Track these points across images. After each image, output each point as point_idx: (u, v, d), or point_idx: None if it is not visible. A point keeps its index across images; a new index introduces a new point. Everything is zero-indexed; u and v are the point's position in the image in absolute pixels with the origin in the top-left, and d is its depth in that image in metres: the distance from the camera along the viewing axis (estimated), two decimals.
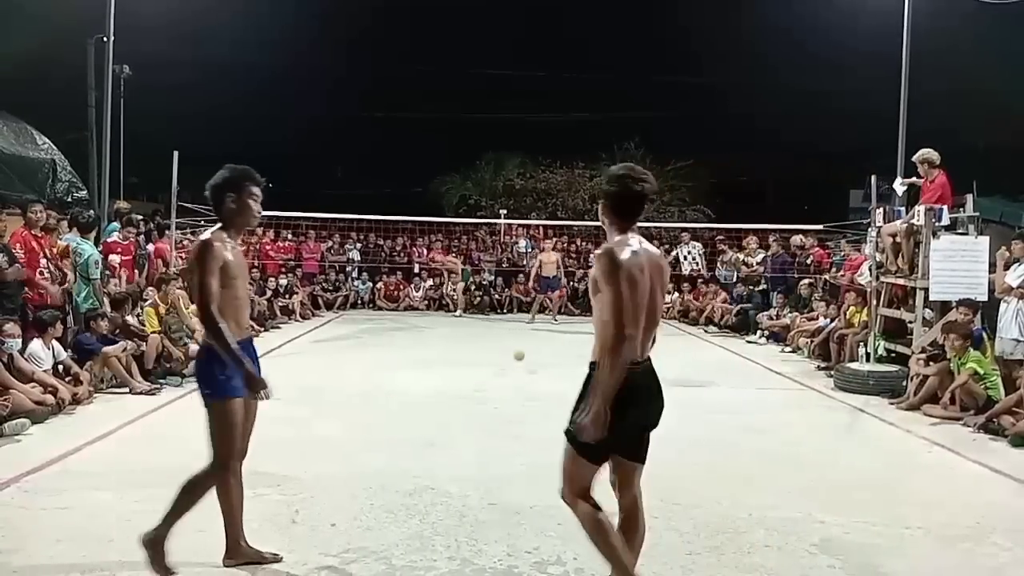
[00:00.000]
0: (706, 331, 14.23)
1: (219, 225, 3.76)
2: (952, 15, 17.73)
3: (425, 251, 17.96)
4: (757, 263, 14.82)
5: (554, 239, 17.19)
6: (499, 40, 28.32)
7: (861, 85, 22.54)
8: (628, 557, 3.29)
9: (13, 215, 8.41)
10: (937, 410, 7.48)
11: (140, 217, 12.47)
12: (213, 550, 3.84)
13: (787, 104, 25.92)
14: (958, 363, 7.47)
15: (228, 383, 3.61)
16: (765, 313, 13.44)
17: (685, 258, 16.80)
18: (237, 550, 3.83)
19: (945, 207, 9.10)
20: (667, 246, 18.45)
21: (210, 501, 4.03)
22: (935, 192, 9.12)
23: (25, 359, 6.87)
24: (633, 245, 3.23)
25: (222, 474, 3.70)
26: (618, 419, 3.07)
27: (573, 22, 29.40)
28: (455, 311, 15.95)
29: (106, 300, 8.66)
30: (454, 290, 16.36)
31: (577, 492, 3.27)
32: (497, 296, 16.73)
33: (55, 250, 8.37)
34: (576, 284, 16.56)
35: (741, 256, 15.17)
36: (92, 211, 9.99)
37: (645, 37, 29.43)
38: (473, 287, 16.60)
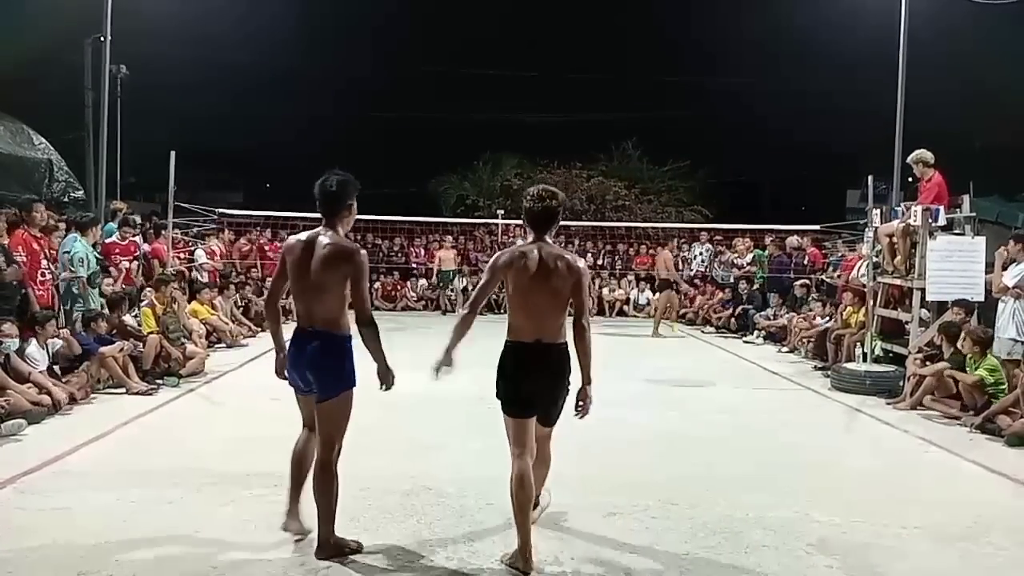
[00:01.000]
0: (703, 332, 14.24)
1: (331, 227, 3.96)
2: (949, 17, 17.76)
3: (423, 251, 17.97)
4: (747, 264, 14.83)
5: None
6: (497, 40, 28.31)
7: (858, 86, 22.59)
8: (527, 530, 3.90)
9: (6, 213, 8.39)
10: (944, 406, 7.48)
11: (137, 218, 12.44)
12: (206, 551, 3.83)
13: (784, 105, 25.96)
14: (972, 366, 7.47)
15: (355, 372, 3.96)
16: (762, 313, 13.47)
17: (696, 257, 16.70)
18: (329, 543, 3.92)
19: (942, 207, 9.12)
20: (657, 243, 18.47)
21: (194, 504, 4.02)
22: (931, 191, 9.13)
23: (23, 360, 6.86)
24: (525, 248, 3.94)
25: (335, 459, 3.94)
26: (505, 383, 3.97)
27: (571, 22, 29.41)
28: (453, 311, 15.91)
29: (95, 299, 8.65)
30: (451, 290, 16.34)
31: (512, 444, 3.95)
32: (495, 296, 16.70)
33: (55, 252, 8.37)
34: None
35: (732, 256, 15.19)
36: (91, 213, 9.99)
37: (644, 37, 29.44)
38: (470, 287, 16.59)
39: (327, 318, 3.90)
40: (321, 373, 3.91)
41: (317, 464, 3.94)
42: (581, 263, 4.02)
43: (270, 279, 14.98)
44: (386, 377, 4.00)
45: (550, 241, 3.99)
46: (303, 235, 4.04)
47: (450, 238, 17.41)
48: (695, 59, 28.33)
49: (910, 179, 9.91)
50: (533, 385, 3.92)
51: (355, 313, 3.90)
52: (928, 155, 9.27)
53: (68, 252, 8.38)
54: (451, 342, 4.02)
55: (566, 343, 3.93)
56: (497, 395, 4.01)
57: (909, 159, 9.57)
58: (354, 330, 3.94)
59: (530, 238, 4.00)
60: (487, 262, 4.20)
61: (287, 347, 4.05)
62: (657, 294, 14.46)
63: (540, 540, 4.19)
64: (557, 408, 4.02)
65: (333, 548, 3.93)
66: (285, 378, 4.11)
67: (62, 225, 9.17)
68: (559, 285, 3.87)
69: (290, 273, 4.01)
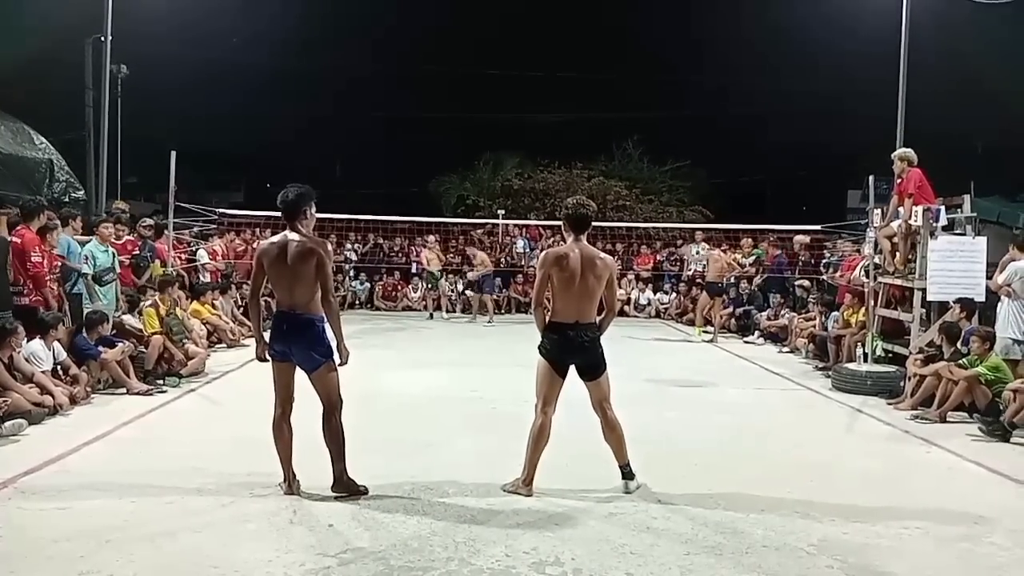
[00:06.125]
0: (705, 332, 14.19)
1: (294, 229, 4.70)
2: (951, 16, 17.77)
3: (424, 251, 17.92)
4: (750, 264, 14.81)
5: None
6: (499, 40, 28.30)
7: (860, 86, 22.59)
8: (534, 464, 4.86)
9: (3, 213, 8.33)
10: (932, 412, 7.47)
11: (130, 215, 12.37)
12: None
13: (786, 104, 25.96)
14: (975, 364, 7.44)
15: (331, 346, 4.74)
16: (763, 313, 13.44)
17: (694, 256, 16.55)
18: (343, 481, 4.72)
19: (943, 208, 9.10)
20: (659, 243, 18.43)
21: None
22: (908, 184, 9.08)
23: (26, 360, 6.85)
24: (568, 248, 4.91)
25: (338, 413, 4.74)
26: (556, 354, 4.85)
27: (572, 22, 29.41)
28: (444, 314, 15.74)
29: (109, 297, 8.65)
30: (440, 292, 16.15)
31: (541, 402, 4.87)
32: (495, 296, 16.67)
33: (55, 252, 8.34)
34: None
35: (738, 256, 15.14)
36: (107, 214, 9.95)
37: (645, 37, 29.43)
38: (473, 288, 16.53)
39: (305, 301, 4.64)
40: (305, 347, 4.64)
41: (324, 419, 4.69)
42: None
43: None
44: (342, 351, 4.75)
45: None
46: (275, 238, 4.80)
47: (432, 238, 16.52)
48: (696, 59, 28.34)
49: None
50: (569, 357, 4.88)
51: (321, 291, 4.65)
52: (913, 154, 9.34)
53: (72, 250, 8.37)
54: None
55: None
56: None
57: (894, 154, 9.50)
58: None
59: (568, 240, 4.94)
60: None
61: (272, 324, 4.79)
62: (709, 297, 13.24)
63: (539, 541, 4.19)
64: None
65: (346, 486, 4.71)
66: (266, 360, 4.78)
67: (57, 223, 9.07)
68: (596, 276, 4.86)
69: (269, 269, 4.72)
